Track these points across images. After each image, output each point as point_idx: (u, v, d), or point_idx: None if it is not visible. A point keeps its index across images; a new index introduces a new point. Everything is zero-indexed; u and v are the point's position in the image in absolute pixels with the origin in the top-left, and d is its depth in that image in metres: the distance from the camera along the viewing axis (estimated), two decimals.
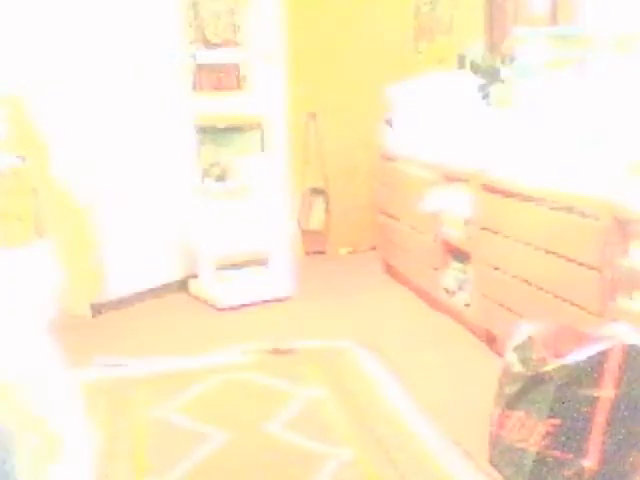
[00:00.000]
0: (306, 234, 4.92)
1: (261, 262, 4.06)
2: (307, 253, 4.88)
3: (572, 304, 2.48)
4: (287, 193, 4.14)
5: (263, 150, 4.19)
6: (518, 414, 2.05)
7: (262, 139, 4.21)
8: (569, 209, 2.50)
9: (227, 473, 2.23)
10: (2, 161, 2.52)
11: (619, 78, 2.62)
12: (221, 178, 4.06)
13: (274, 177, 4.08)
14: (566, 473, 1.97)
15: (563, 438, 1.97)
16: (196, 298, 4.02)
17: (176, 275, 4.13)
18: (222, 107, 4.03)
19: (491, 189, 3.03)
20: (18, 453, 1.61)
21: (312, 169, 4.94)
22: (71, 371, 2.20)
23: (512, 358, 2.14)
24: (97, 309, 3.76)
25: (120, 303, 3.83)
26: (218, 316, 3.76)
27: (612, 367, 1.96)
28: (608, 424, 1.94)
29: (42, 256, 2.18)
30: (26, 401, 1.88)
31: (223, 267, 3.97)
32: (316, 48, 4.80)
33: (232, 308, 3.81)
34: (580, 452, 1.96)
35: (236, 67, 4.18)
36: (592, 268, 2.36)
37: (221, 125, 4.10)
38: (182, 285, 4.13)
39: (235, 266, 4.02)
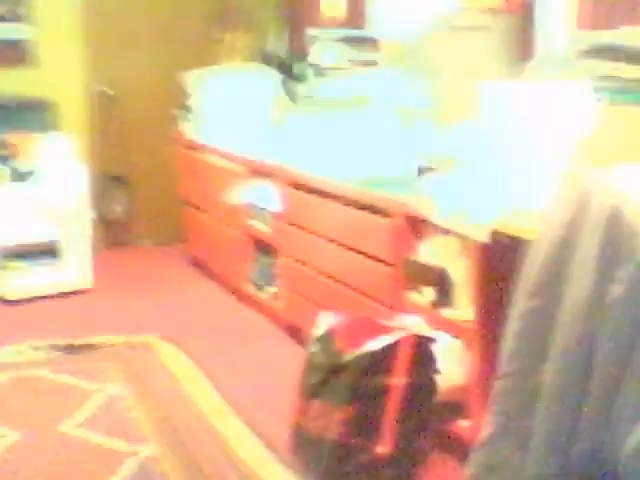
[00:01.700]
0: (107, 224, 4.68)
1: (54, 252, 3.80)
2: (109, 245, 4.64)
3: (369, 297, 2.59)
4: (83, 178, 3.87)
5: (55, 131, 3.94)
6: (318, 403, 2.11)
7: (54, 119, 3.95)
8: (365, 207, 2.59)
9: (18, 474, 2.08)
10: None
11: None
12: (5, 159, 3.76)
13: (67, 160, 3.83)
14: (362, 459, 2.06)
15: (359, 425, 2.06)
16: None
17: None
18: (4, 83, 3.73)
19: (295, 185, 3.09)
20: None
21: (113, 155, 4.69)
22: None
23: (314, 349, 2.20)
24: None
25: None
26: (7, 309, 3.49)
27: (403, 356, 2.08)
28: (400, 411, 2.06)
29: None
30: None
31: (12, 256, 3.67)
32: (117, 30, 4.61)
33: (22, 301, 3.56)
34: (375, 438, 2.06)
35: (21, 42, 3.91)
36: (385, 263, 2.48)
37: (2, 102, 3.80)
38: None
39: (26, 256, 3.72)
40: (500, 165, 1.98)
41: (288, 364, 2.82)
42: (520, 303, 1.62)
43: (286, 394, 2.37)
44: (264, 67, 4.11)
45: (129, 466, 2.14)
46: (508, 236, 1.86)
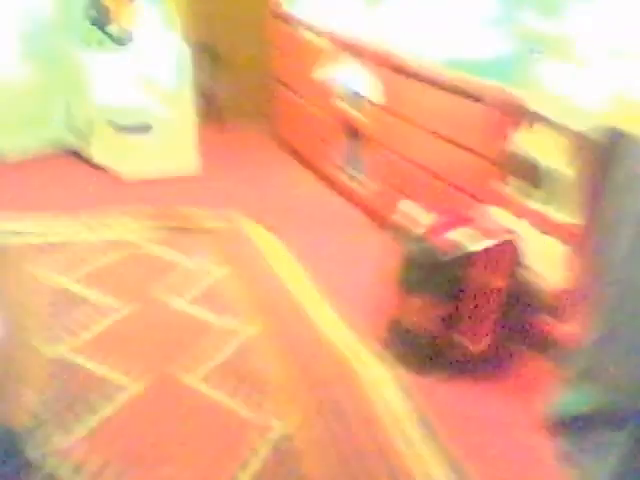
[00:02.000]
0: (201, 101, 4.48)
1: (152, 131, 3.82)
2: (202, 123, 4.57)
3: (459, 189, 2.50)
4: (183, 49, 3.81)
5: None
6: (417, 299, 2.12)
7: None
8: (460, 92, 2.44)
9: (130, 342, 2.22)
10: None
11: None
12: (102, 23, 3.72)
13: (163, 28, 3.78)
14: (457, 356, 2.09)
15: (457, 323, 2.07)
16: (93, 164, 3.84)
17: (70, 136, 3.90)
18: None
19: (391, 67, 2.94)
20: None
21: (202, 24, 4.44)
22: None
23: (413, 244, 2.19)
24: None
25: (15, 162, 3.62)
26: (115, 185, 3.63)
27: (504, 258, 2.06)
28: (498, 311, 2.06)
29: None
30: None
31: (119, 131, 3.75)
32: None
33: (129, 178, 3.68)
34: (471, 336, 2.07)
35: None
36: (478, 154, 2.37)
37: None
38: (80, 148, 3.92)
39: (128, 132, 3.78)
40: (614, 50, 1.83)
41: (374, 253, 2.81)
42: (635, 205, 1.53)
43: (374, 285, 2.39)
44: None
45: (231, 343, 2.25)
46: (616, 128, 1.72)
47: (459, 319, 2.07)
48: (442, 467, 1.74)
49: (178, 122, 3.85)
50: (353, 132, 3.41)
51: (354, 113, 3.34)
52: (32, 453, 1.62)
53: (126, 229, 3.06)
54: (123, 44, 3.76)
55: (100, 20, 3.72)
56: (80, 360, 2.09)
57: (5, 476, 1.47)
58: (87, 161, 3.88)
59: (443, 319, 2.07)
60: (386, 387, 2.06)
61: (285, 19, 4.03)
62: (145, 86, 3.70)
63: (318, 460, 1.74)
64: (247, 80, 4.60)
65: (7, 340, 2.14)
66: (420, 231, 2.20)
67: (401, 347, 2.19)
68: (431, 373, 2.11)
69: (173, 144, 3.86)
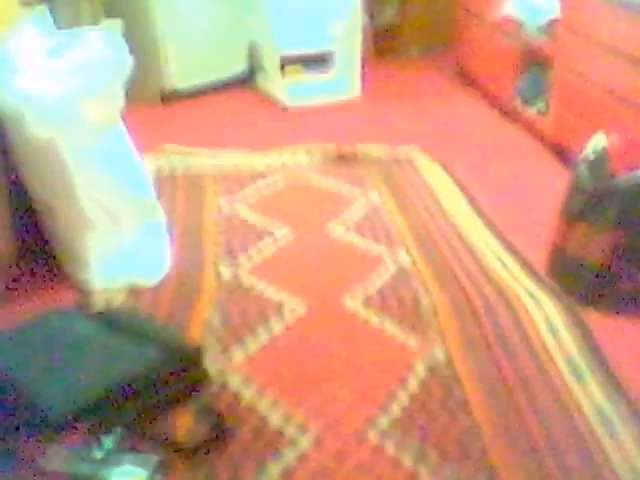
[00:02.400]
0: (377, 30, 4.63)
1: (327, 61, 3.89)
2: (376, 51, 4.64)
3: None
4: None
5: None
6: (583, 227, 2.03)
7: None
8: None
9: (294, 266, 2.32)
10: None
11: None
12: None
13: None
14: (624, 287, 2.00)
15: (626, 252, 1.97)
16: (262, 94, 3.97)
17: (242, 69, 4.04)
18: None
19: None
20: None
21: None
22: (142, 156, 2.28)
23: (582, 170, 2.09)
24: (166, 98, 3.78)
25: (188, 94, 3.82)
26: (283, 114, 3.73)
27: None
28: None
29: (112, 37, 2.13)
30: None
31: (291, 63, 3.84)
32: None
33: (297, 108, 3.76)
34: None
35: None
36: None
37: None
38: (248, 79, 4.06)
39: (301, 64, 3.87)
40: None
41: (549, 185, 2.72)
42: None
43: (545, 215, 2.31)
44: None
45: (389, 269, 2.29)
46: None
47: (631, 249, 1.96)
48: (613, 403, 1.69)
49: (348, 51, 3.84)
50: (535, 57, 3.27)
51: (537, 36, 3.19)
52: (208, 366, 1.77)
53: (291, 158, 3.15)
54: None
55: None
56: (251, 281, 2.22)
57: (184, 387, 1.62)
58: (253, 91, 4.00)
59: (613, 249, 1.97)
60: (552, 317, 2.01)
61: None
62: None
63: (479, 387, 1.75)
64: (429, 10, 4.54)
65: (187, 262, 2.31)
66: (591, 153, 2.08)
67: (565, 276, 2.12)
68: (599, 305, 2.04)
69: (340, 73, 3.88)
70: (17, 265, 2.21)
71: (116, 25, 3.08)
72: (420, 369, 1.82)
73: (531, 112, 3.33)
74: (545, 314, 2.03)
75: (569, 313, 2.02)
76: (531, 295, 2.12)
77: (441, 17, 4.46)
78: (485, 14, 3.78)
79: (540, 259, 2.26)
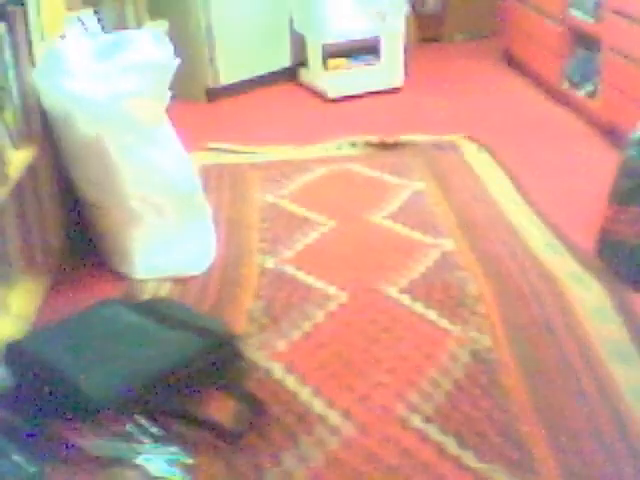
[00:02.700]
0: (420, 18, 4.58)
1: (371, 50, 3.86)
2: (421, 40, 4.58)
3: None
4: None
5: None
6: (634, 209, 1.98)
7: None
8: None
9: (337, 255, 2.33)
10: None
11: None
12: None
13: None
14: None
15: None
16: (306, 87, 3.97)
17: (286, 63, 4.05)
18: None
19: None
20: None
21: None
22: (188, 152, 2.32)
23: (632, 152, 2.03)
24: (211, 95, 3.82)
25: (232, 90, 3.86)
26: (327, 106, 3.73)
27: None
28: None
29: (157, 38, 2.17)
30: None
31: (333, 55, 3.83)
32: None
33: (341, 98, 3.75)
34: None
35: None
36: None
37: None
38: (292, 73, 4.07)
39: (344, 55, 3.85)
40: None
41: (599, 168, 2.65)
42: None
43: (593, 198, 2.25)
44: None
45: (432, 257, 2.26)
46: None
47: None
48: None
49: (392, 41, 3.82)
50: (583, 39, 3.21)
51: (585, 18, 3.12)
52: (251, 355, 1.79)
53: (334, 150, 3.15)
54: None
55: None
56: (291, 270, 2.23)
57: (226, 374, 1.64)
58: (297, 83, 4.01)
59: None
60: (599, 303, 1.97)
61: None
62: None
63: (522, 374, 1.72)
64: None
65: (232, 252, 2.34)
66: None
67: (615, 260, 2.07)
68: None
69: (384, 62, 3.85)
70: (66, 259, 2.27)
71: (161, 26, 3.14)
72: (464, 355, 1.80)
73: (580, 95, 3.25)
74: (593, 298, 1.98)
75: (617, 297, 1.97)
76: (579, 279, 2.07)
77: (485, 3, 4.39)
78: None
79: (589, 242, 2.20)
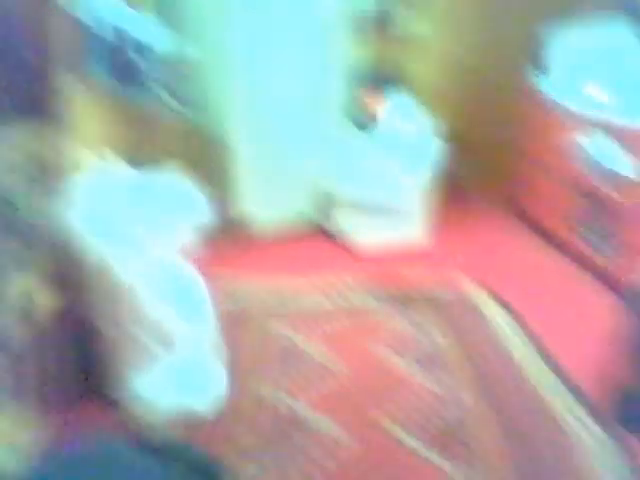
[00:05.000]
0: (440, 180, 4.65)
1: (394, 209, 3.97)
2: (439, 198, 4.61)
3: None
4: (425, 135, 3.95)
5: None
6: None
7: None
8: None
9: (351, 402, 2.30)
10: None
11: None
12: (362, 125, 3.98)
13: (413, 117, 3.96)
14: None
15: None
16: (332, 241, 4.05)
17: (310, 212, 4.16)
18: None
19: None
20: None
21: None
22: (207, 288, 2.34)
23: None
24: (235, 237, 3.90)
25: (256, 235, 3.95)
26: (352, 260, 3.79)
27: None
28: None
29: (177, 179, 2.28)
30: None
31: (357, 211, 3.94)
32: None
33: (365, 254, 3.82)
34: None
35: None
36: None
37: None
38: (318, 226, 4.17)
39: (369, 213, 3.95)
40: None
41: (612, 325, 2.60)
42: None
43: (604, 353, 2.20)
44: (630, 19, 3.70)
45: (452, 413, 2.23)
46: None
47: None
48: None
49: (415, 199, 3.95)
50: (601, 205, 3.28)
51: (608, 190, 3.22)
52: None
53: (357, 297, 3.19)
54: (365, 129, 3.96)
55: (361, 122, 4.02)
56: (302, 411, 2.21)
57: None
58: (323, 231, 4.13)
59: None
60: (610, 456, 1.92)
61: (534, 97, 4.02)
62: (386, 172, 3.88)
63: None
64: (491, 158, 4.65)
65: (243, 394, 2.30)
66: None
67: (633, 415, 2.00)
68: None
69: (408, 218, 3.97)
70: (71, 388, 2.25)
71: (178, 168, 3.25)
72: None
73: (594, 255, 3.28)
74: (605, 453, 1.93)
75: (632, 454, 1.90)
76: (592, 436, 2.02)
77: (503, 167, 4.48)
78: (551, 167, 3.83)
79: (603, 396, 2.15)
